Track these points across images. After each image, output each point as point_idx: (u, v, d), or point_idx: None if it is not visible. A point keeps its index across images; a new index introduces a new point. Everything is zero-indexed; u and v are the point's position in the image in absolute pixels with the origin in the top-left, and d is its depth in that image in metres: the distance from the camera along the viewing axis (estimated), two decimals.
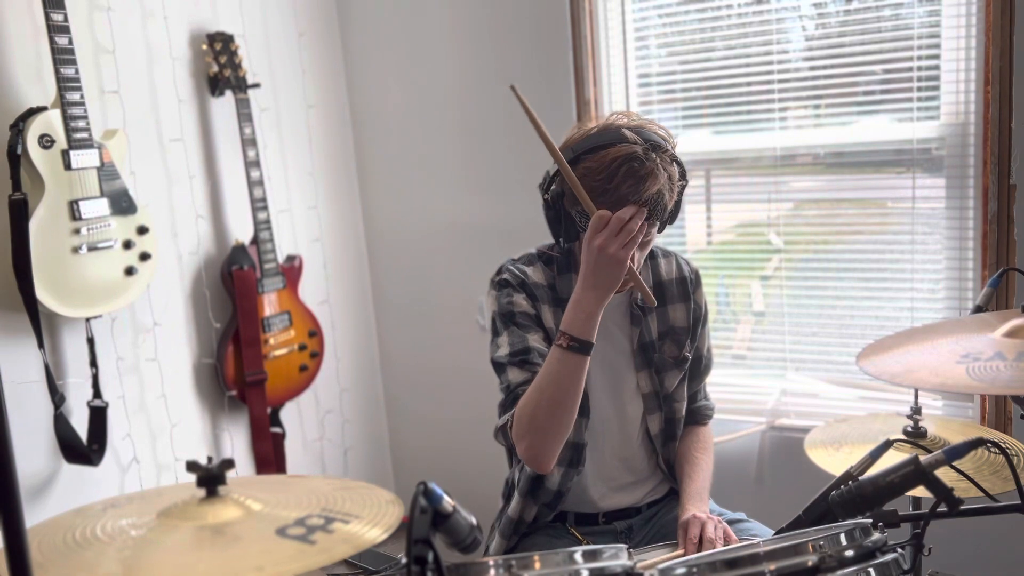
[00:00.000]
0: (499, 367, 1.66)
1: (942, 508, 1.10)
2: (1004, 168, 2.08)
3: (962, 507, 1.10)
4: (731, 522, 1.68)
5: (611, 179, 1.48)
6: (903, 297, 2.33)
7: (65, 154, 1.94)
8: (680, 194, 1.60)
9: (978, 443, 1.10)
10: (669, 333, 1.74)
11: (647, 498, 1.78)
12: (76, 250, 1.96)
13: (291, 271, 2.62)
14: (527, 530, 1.74)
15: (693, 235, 2.63)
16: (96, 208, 1.99)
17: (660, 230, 1.62)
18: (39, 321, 1.94)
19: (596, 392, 1.71)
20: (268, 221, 2.50)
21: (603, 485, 1.75)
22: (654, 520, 1.78)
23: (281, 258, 2.61)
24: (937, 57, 2.17)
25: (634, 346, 1.72)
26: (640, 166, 1.48)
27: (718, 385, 2.58)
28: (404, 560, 0.93)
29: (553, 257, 1.72)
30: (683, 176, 1.58)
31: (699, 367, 1.82)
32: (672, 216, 1.62)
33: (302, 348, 2.63)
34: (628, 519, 1.76)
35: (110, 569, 0.83)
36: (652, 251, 1.75)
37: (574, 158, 1.54)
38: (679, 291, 1.76)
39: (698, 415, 1.84)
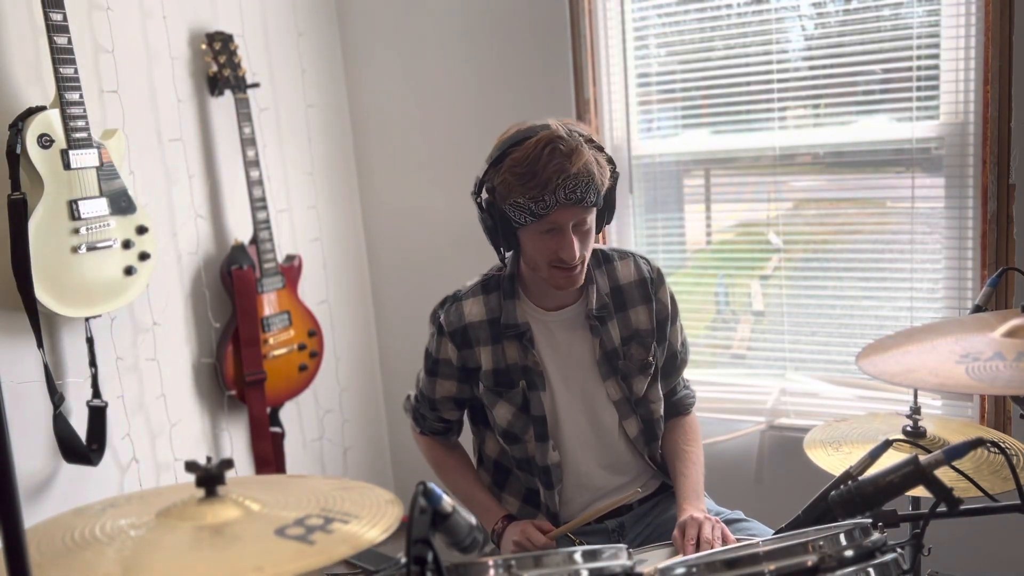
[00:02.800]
0: (416, 388, 1.83)
1: (942, 508, 1.10)
2: (1003, 168, 2.08)
3: (962, 507, 1.10)
4: (729, 521, 1.67)
5: (537, 161, 1.49)
6: (902, 297, 2.33)
7: (64, 154, 1.94)
8: (613, 184, 1.61)
9: (977, 443, 1.09)
10: (634, 337, 1.71)
11: (638, 495, 1.77)
12: (75, 250, 1.96)
13: (290, 271, 2.62)
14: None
15: (693, 235, 2.64)
16: (95, 208, 1.99)
17: (600, 224, 1.62)
18: (38, 321, 1.94)
19: (564, 411, 1.70)
20: (267, 221, 2.50)
21: (589, 495, 1.74)
22: (646, 518, 1.77)
23: (280, 258, 2.61)
24: (936, 57, 2.17)
25: (597, 356, 1.70)
26: (564, 145, 1.50)
27: (717, 385, 2.59)
28: (404, 560, 0.93)
29: (500, 282, 1.70)
30: (612, 164, 1.59)
31: (674, 363, 1.79)
32: (609, 210, 1.62)
33: (301, 348, 2.63)
34: (619, 517, 1.74)
35: (109, 569, 0.83)
36: (607, 254, 1.73)
37: (500, 154, 1.55)
38: (639, 293, 1.72)
39: (680, 406, 1.82)
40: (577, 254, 1.55)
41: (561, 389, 1.69)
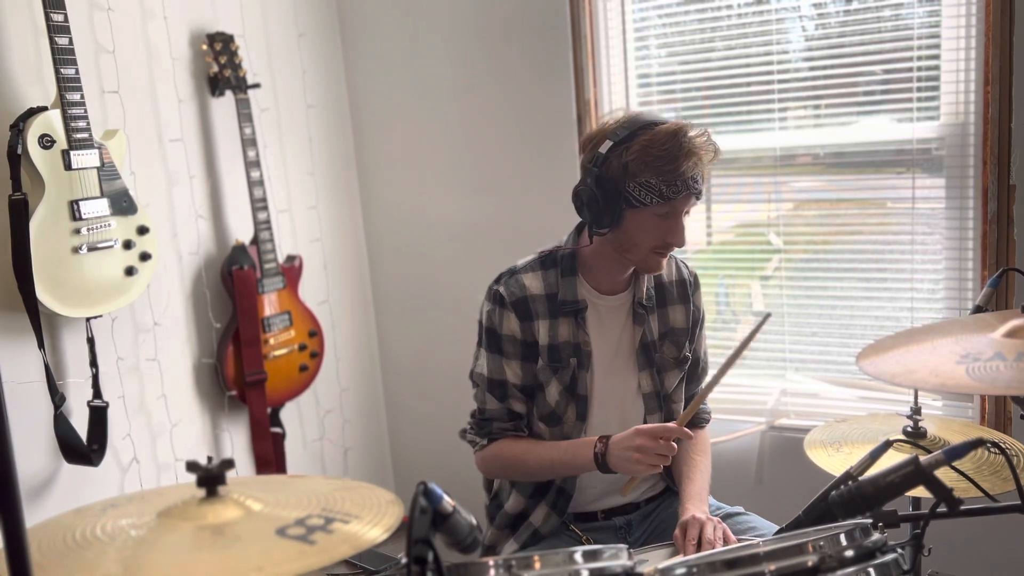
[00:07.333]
0: (476, 383, 1.74)
1: (942, 508, 1.10)
2: (1004, 168, 2.08)
3: (962, 507, 1.10)
4: (729, 515, 1.69)
5: (678, 147, 1.55)
6: (903, 297, 2.33)
7: (65, 154, 1.94)
8: None
9: (978, 443, 1.09)
10: (669, 334, 1.76)
11: (645, 495, 1.79)
12: (76, 250, 1.96)
13: (291, 271, 2.62)
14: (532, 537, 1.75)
15: (693, 235, 2.63)
16: (96, 208, 1.99)
17: None
18: (39, 321, 1.94)
19: (598, 396, 1.72)
20: (268, 221, 2.50)
21: (603, 486, 1.76)
22: (652, 516, 1.79)
23: (281, 258, 2.61)
24: (937, 57, 2.17)
25: (636, 346, 1.72)
26: (698, 137, 1.59)
27: (718, 385, 2.58)
28: (404, 560, 0.93)
29: (557, 260, 1.72)
30: None
31: (696, 369, 1.84)
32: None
33: (302, 348, 2.63)
34: (627, 515, 1.77)
35: (110, 569, 0.83)
36: None
37: (628, 134, 1.58)
38: (679, 293, 1.78)
39: (695, 419, 1.85)
40: (685, 240, 1.64)
41: (600, 373, 1.72)
